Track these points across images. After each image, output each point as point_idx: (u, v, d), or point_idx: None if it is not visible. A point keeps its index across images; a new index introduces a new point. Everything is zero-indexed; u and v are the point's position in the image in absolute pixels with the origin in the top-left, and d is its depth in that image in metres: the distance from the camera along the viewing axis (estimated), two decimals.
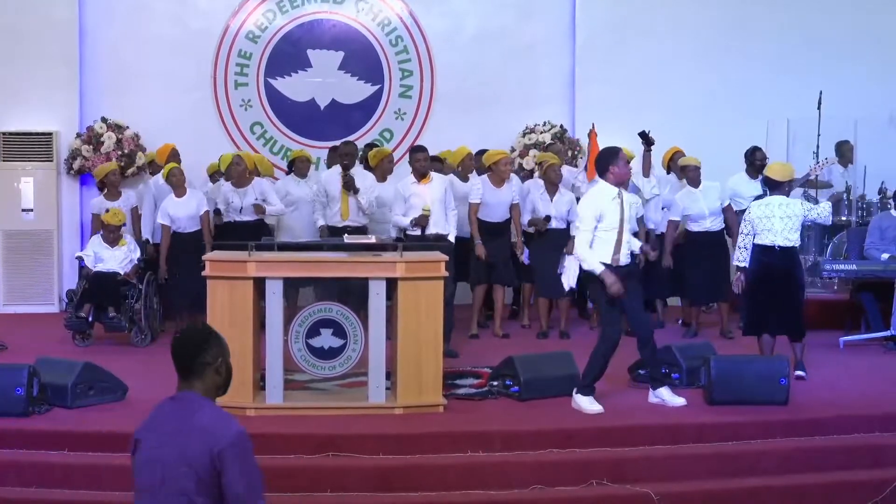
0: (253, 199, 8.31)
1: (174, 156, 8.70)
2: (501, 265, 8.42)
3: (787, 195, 6.89)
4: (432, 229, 7.66)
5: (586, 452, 5.53)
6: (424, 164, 7.73)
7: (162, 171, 8.54)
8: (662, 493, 5.21)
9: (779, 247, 6.71)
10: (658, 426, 5.77)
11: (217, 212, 8.36)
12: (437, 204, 7.70)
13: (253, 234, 7.77)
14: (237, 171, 8.33)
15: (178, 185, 8.23)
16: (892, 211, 8.64)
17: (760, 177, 8.80)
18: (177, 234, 8.26)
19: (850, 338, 8.13)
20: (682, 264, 8.42)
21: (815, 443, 5.77)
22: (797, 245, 6.83)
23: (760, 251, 6.76)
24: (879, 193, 9.55)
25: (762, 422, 5.81)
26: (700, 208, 8.31)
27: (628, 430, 5.72)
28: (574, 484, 5.29)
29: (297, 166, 8.97)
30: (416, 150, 7.83)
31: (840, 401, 6.31)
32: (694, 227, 8.40)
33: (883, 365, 7.45)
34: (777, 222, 6.71)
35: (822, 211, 6.94)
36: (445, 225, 7.75)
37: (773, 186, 6.91)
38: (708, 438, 5.72)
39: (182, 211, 8.20)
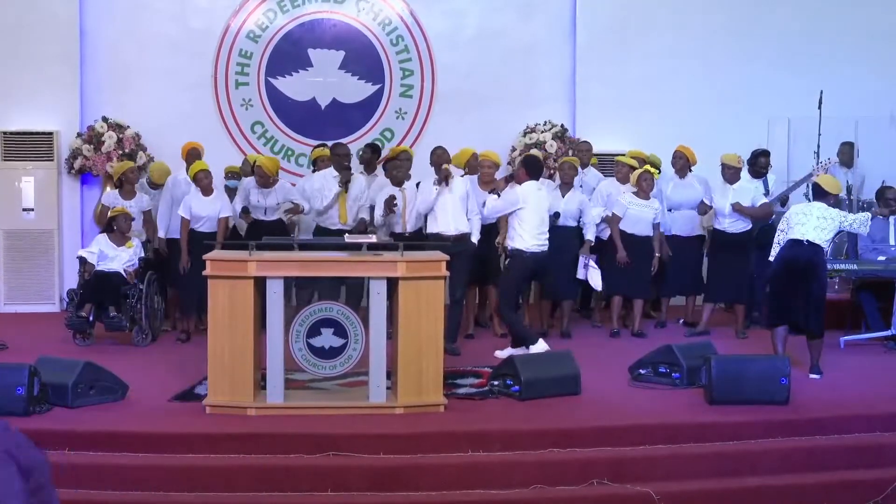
0: (276, 200, 8.45)
1: (195, 155, 8.66)
2: (496, 265, 8.41)
3: (830, 206, 7.04)
4: (452, 226, 7.74)
5: (586, 452, 5.53)
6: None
7: (187, 169, 8.50)
8: (663, 492, 5.22)
9: (808, 241, 6.85)
10: (658, 426, 5.77)
11: (245, 210, 8.42)
12: (458, 201, 7.82)
13: (279, 233, 8.07)
14: (260, 179, 8.46)
15: (205, 187, 8.19)
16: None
17: (763, 178, 8.82)
18: (194, 232, 8.20)
19: (850, 337, 8.14)
20: (704, 261, 8.51)
21: (815, 443, 5.78)
22: (825, 249, 6.91)
23: (790, 244, 6.92)
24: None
25: (762, 422, 5.82)
26: (721, 205, 8.28)
27: (628, 430, 5.72)
28: (574, 483, 5.30)
29: (319, 166, 8.95)
30: (438, 148, 8.28)
31: (840, 401, 6.31)
32: (715, 225, 8.41)
33: (883, 365, 7.46)
34: (812, 220, 6.91)
35: (859, 219, 7.05)
36: (467, 224, 7.83)
37: (819, 194, 7.09)
38: (708, 438, 5.72)
39: (206, 210, 8.16)
